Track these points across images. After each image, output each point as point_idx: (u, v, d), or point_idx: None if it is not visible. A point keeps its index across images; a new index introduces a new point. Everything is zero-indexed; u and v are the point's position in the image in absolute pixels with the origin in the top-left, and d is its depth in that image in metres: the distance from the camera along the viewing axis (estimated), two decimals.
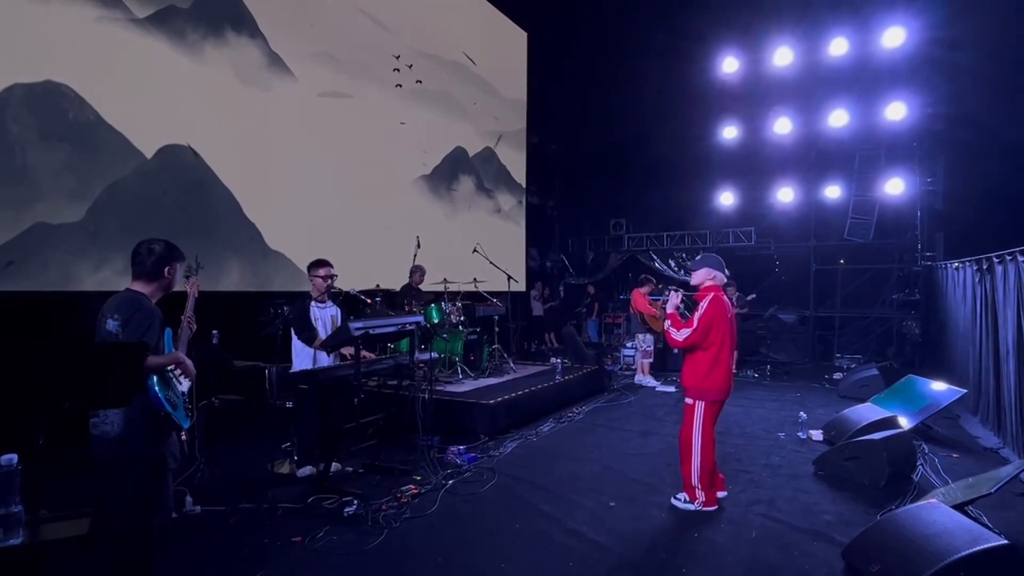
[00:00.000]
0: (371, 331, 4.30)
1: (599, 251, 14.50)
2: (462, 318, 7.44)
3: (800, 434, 5.81)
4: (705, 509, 3.92)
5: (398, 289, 7.28)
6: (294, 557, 3.28)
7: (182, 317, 2.89)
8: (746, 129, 11.97)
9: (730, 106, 12.07)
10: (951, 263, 8.02)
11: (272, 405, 4.76)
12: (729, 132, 12.08)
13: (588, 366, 8.42)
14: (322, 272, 4.77)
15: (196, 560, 3.25)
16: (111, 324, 2.46)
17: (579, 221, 14.71)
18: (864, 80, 10.65)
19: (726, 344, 3.91)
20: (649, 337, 8.79)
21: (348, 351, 4.56)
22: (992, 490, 3.22)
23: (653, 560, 3.30)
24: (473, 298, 8.38)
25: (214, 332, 4.87)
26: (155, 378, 2.52)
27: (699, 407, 3.95)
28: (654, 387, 8.49)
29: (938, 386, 5.81)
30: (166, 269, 2.70)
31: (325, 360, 4.64)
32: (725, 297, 4.05)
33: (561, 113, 13.98)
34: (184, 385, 2.77)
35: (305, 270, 4.90)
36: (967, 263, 6.94)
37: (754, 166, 11.96)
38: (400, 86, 8.97)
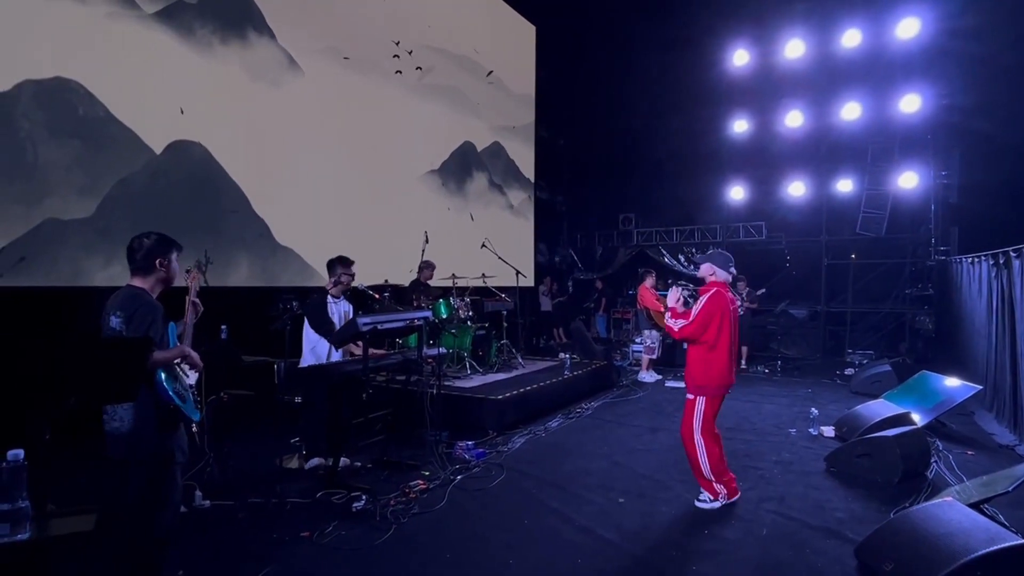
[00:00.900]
0: (379, 326, 4.29)
1: (608, 246, 14.43)
2: (470, 313, 7.42)
3: (811, 430, 5.75)
4: (729, 501, 3.90)
5: (407, 285, 7.27)
6: (302, 551, 3.29)
7: (187, 298, 2.88)
8: (757, 122, 11.84)
9: (740, 99, 11.94)
10: (966, 257, 7.90)
11: (281, 400, 4.77)
12: (739, 126, 11.96)
13: (597, 361, 8.39)
14: (351, 270, 4.84)
15: (205, 554, 3.26)
16: (114, 321, 2.47)
17: (588, 216, 14.63)
18: (877, 72, 10.49)
19: (725, 340, 3.88)
20: (654, 334, 8.75)
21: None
22: (1009, 488, 3.16)
23: (662, 557, 3.28)
24: (481, 293, 8.36)
25: (223, 327, 4.87)
26: (162, 372, 2.52)
27: (699, 402, 3.94)
28: (654, 382, 8.48)
29: (952, 382, 5.72)
30: (157, 261, 2.69)
31: (335, 355, 4.65)
32: (729, 294, 4.00)
33: (570, 107, 13.90)
34: (192, 378, 2.77)
35: (313, 265, 4.91)
36: (983, 257, 6.83)
37: (765, 160, 11.83)
38: (400, 72, 8.89)
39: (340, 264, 4.83)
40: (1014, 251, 5.57)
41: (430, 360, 5.12)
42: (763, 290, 10.36)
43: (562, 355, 8.18)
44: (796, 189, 11.52)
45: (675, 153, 12.60)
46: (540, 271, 13.10)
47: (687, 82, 12.37)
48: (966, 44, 9.38)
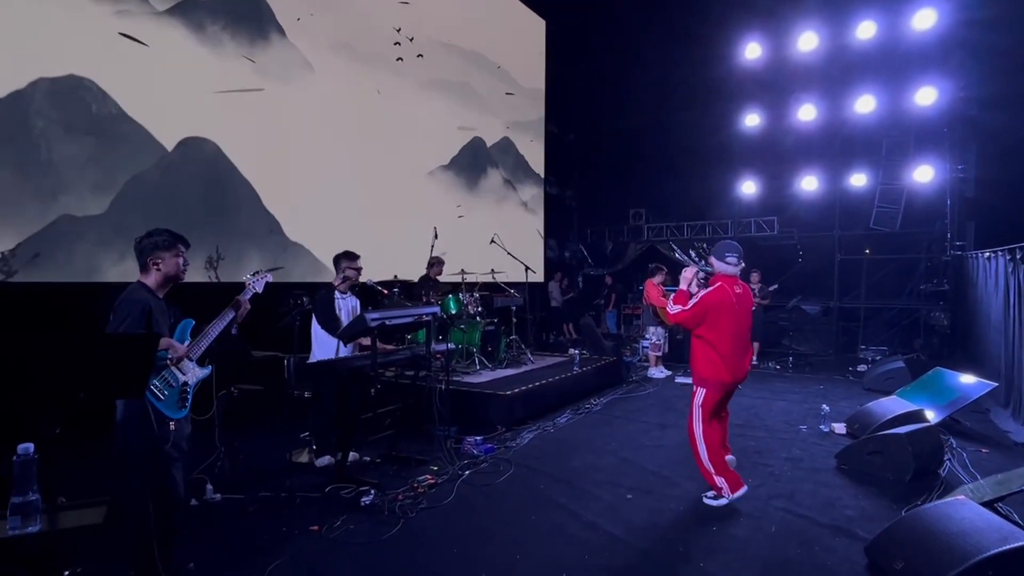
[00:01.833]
0: (388, 322, 4.31)
1: (618, 241, 14.37)
2: (480, 309, 7.43)
3: (822, 427, 5.71)
4: (736, 495, 3.87)
5: (416, 280, 7.29)
6: (311, 545, 3.31)
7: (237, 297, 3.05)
8: (769, 116, 11.72)
9: (752, 93, 11.82)
10: (982, 252, 7.78)
11: (291, 395, 4.80)
12: (751, 120, 11.85)
13: (606, 357, 8.36)
14: (356, 264, 4.84)
15: (215, 547, 3.29)
16: (111, 317, 2.56)
17: (598, 211, 14.56)
18: (892, 64, 10.33)
19: (725, 335, 3.85)
20: (659, 330, 8.70)
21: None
22: None
23: (670, 554, 3.27)
24: (491, 289, 8.36)
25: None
26: None
27: (700, 394, 3.95)
28: (664, 378, 8.46)
29: (967, 379, 5.64)
30: (149, 260, 2.74)
31: (345, 351, 4.67)
32: (736, 288, 3.94)
33: (580, 102, 13.83)
34: (189, 375, 2.77)
35: (324, 260, 4.93)
36: (1000, 252, 6.72)
37: (777, 154, 11.71)
38: (407, 65, 8.89)
39: (345, 258, 4.84)
40: None
41: (439, 355, 5.13)
42: (775, 286, 10.27)
43: (572, 351, 8.16)
44: (809, 183, 11.40)
45: (686, 148, 12.48)
46: (550, 267, 13.07)
47: (698, 76, 12.24)
48: (983, 35, 9.20)
